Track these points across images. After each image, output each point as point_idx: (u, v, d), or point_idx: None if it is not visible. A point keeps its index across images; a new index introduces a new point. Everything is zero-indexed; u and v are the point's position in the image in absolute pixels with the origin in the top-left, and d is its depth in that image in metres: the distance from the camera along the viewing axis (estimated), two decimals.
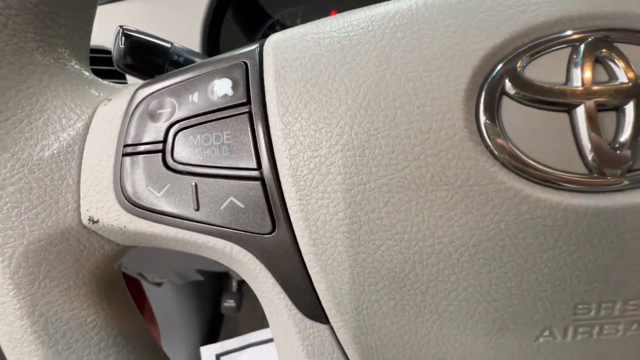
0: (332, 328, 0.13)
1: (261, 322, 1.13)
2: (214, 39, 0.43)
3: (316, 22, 0.14)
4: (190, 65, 0.15)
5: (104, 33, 0.44)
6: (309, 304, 0.13)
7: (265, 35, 0.55)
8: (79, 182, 0.14)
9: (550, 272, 0.12)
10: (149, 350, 0.17)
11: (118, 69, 0.25)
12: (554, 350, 0.13)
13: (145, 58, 0.25)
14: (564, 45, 0.12)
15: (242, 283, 0.84)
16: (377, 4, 0.14)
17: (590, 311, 0.12)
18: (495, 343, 0.12)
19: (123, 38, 0.24)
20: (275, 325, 0.14)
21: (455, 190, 0.11)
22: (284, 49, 0.13)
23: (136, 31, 0.25)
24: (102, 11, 0.47)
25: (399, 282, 0.12)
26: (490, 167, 0.11)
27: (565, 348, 0.12)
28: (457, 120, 0.11)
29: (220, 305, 0.81)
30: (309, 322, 0.13)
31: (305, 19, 0.52)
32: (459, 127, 0.11)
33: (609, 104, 0.11)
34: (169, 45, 0.26)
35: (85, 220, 0.14)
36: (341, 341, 0.13)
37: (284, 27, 0.52)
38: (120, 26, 0.25)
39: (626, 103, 0.11)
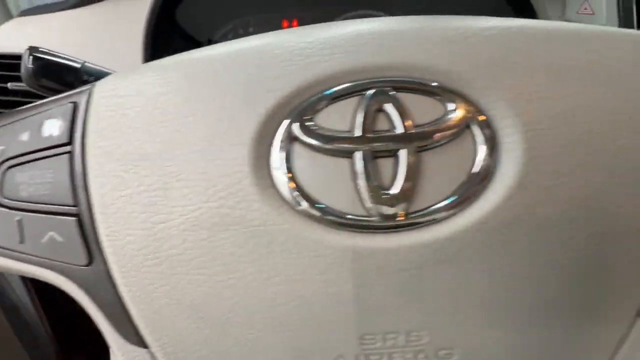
0: (151, 352, 0.14)
1: None
2: (159, 49, 0.44)
3: (142, 69, 0.15)
4: (31, 105, 0.15)
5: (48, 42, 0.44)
6: (128, 331, 0.14)
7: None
8: None
9: (335, 306, 0.13)
10: None
11: (31, 90, 0.26)
12: None
13: (56, 79, 0.26)
14: (351, 96, 0.13)
15: None
16: (195, 51, 0.14)
17: (376, 342, 0.13)
18: None
19: (31, 59, 0.25)
20: (110, 347, 0.15)
21: (243, 231, 0.12)
22: (108, 94, 0.14)
23: (46, 52, 0.25)
24: (51, 19, 0.47)
25: (202, 314, 0.13)
26: (275, 210, 0.12)
27: None
28: (244, 166, 0.12)
29: None
30: (130, 347, 0.14)
31: (257, 29, 0.52)
32: (247, 172, 0.12)
33: (384, 151, 0.12)
34: (78, 65, 0.26)
35: None
36: None
37: (237, 35, 0.52)
38: (29, 47, 0.25)
39: (399, 150, 0.12)
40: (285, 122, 0.12)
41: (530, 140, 0.12)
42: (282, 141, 0.12)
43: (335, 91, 0.12)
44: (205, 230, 0.12)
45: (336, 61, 0.12)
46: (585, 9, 0.39)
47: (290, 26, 0.52)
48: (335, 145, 0.12)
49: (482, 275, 0.12)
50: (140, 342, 0.14)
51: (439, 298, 0.13)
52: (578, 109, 0.12)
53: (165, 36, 0.46)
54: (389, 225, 0.12)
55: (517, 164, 0.12)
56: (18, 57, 0.44)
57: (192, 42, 0.50)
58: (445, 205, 0.12)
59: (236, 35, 0.52)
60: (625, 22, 0.38)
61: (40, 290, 0.74)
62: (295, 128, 0.12)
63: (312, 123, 0.12)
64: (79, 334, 0.91)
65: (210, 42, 0.51)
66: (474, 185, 0.12)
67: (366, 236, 0.12)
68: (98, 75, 0.27)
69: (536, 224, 0.12)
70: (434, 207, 0.12)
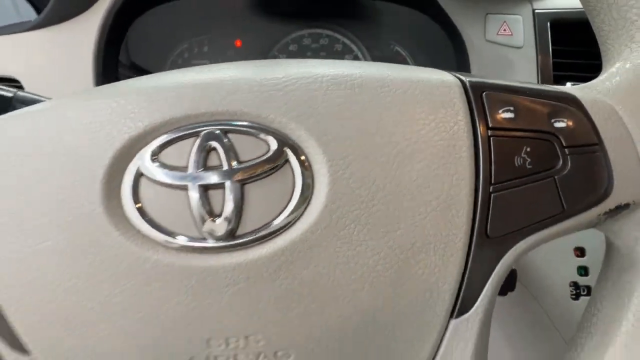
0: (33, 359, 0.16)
1: None
2: (109, 70, 0.46)
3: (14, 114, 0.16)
4: None
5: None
6: (11, 339, 0.16)
7: (174, 64, 0.58)
8: None
9: (181, 315, 0.15)
10: None
11: None
12: None
13: None
14: (189, 137, 0.15)
15: None
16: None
17: (221, 345, 0.15)
18: None
19: None
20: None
21: (90, 254, 0.14)
22: None
23: None
24: (14, 40, 0.49)
25: (66, 327, 0.15)
26: (121, 235, 0.14)
27: None
28: (96, 198, 0.14)
29: None
30: (14, 354, 0.16)
31: (211, 48, 0.55)
32: (98, 203, 0.14)
33: (213, 183, 0.14)
34: (10, 95, 0.28)
35: None
36: None
37: (191, 54, 0.55)
38: None
39: (224, 183, 0.14)
40: (135, 161, 0.15)
41: (334, 171, 0.14)
42: (133, 176, 0.15)
43: (178, 133, 0.15)
44: (58, 255, 0.14)
45: (177, 107, 0.15)
46: (504, 30, 0.42)
47: (243, 46, 0.55)
48: (174, 180, 0.14)
49: (302, 286, 0.15)
50: (22, 349, 0.16)
51: (267, 307, 0.15)
52: (370, 146, 0.15)
53: (114, 58, 0.48)
54: (219, 247, 0.14)
55: (327, 190, 0.14)
56: None
57: (157, 62, 0.52)
58: (267, 227, 0.14)
59: (191, 54, 0.55)
60: (540, 42, 0.41)
61: None
62: (144, 165, 0.15)
63: (157, 161, 0.15)
64: None
65: (173, 63, 0.54)
66: (295, 210, 0.15)
67: (201, 256, 0.14)
68: (31, 104, 0.29)
69: (342, 241, 0.15)
70: (258, 229, 0.14)
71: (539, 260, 0.41)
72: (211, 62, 0.54)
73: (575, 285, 0.39)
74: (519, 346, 0.45)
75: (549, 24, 0.41)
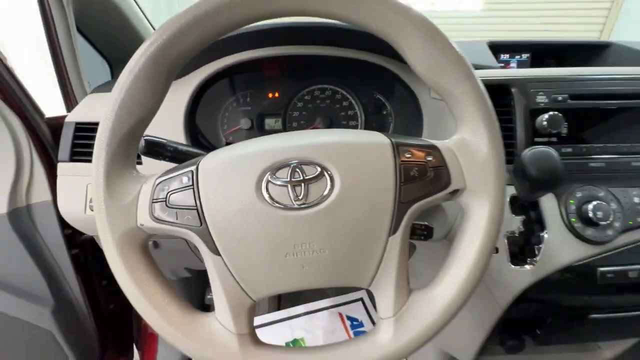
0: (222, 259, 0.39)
1: None
2: (193, 126, 0.69)
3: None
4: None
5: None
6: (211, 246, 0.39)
7: (226, 110, 0.83)
8: None
9: (285, 234, 0.38)
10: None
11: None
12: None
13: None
14: (285, 167, 0.39)
15: None
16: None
17: (298, 246, 0.39)
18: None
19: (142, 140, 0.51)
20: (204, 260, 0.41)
21: (251, 211, 0.38)
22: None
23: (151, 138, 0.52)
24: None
25: (238, 241, 0.39)
26: (265, 205, 0.38)
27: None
28: (251, 191, 0.38)
29: (204, 297, 1.07)
30: (213, 255, 0.39)
31: (252, 99, 0.79)
32: (252, 194, 0.38)
33: (297, 182, 0.38)
34: (165, 141, 0.53)
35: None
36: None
37: (238, 104, 0.79)
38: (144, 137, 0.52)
39: (302, 183, 0.38)
40: (267, 176, 0.38)
41: (342, 183, 0.38)
42: (268, 183, 0.38)
43: (278, 165, 0.39)
44: (238, 213, 0.38)
45: (278, 157, 0.39)
46: None
47: (273, 97, 0.79)
48: (281, 183, 0.38)
49: (330, 222, 0.38)
50: (217, 252, 0.39)
51: (318, 230, 0.38)
52: (355, 172, 0.38)
53: (193, 115, 0.72)
54: (301, 207, 0.38)
55: (338, 188, 0.38)
56: (93, 124, 0.69)
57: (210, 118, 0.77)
58: (318, 200, 0.38)
59: (238, 104, 0.79)
60: None
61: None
62: (270, 178, 0.38)
63: (274, 176, 0.38)
64: (120, 334, 1.11)
65: (220, 107, 0.78)
66: (327, 195, 0.38)
67: (294, 212, 0.38)
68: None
69: (345, 209, 0.38)
70: (314, 200, 0.38)
71: None
72: (253, 109, 0.78)
73: None
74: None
75: None
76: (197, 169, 0.38)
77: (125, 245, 0.38)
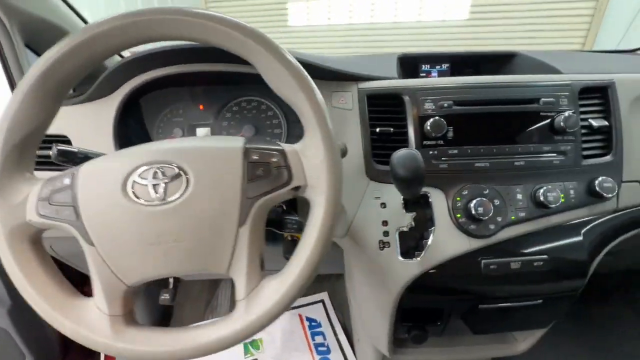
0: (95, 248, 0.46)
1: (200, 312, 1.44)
2: (123, 136, 0.78)
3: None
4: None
5: None
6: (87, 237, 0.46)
7: (162, 121, 0.91)
8: None
9: (149, 225, 0.45)
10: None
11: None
12: None
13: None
14: (149, 169, 0.46)
15: (177, 280, 1.16)
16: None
17: (161, 237, 0.46)
18: None
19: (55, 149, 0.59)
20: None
21: (118, 206, 0.45)
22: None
23: (64, 147, 0.59)
24: (70, 111, 0.81)
25: (109, 232, 0.46)
26: (128, 201, 0.45)
27: None
28: (118, 190, 0.45)
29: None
30: (87, 246, 0.46)
31: (184, 111, 0.87)
32: (119, 192, 0.45)
33: (155, 183, 0.45)
34: (76, 150, 0.60)
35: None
36: None
37: (172, 115, 0.87)
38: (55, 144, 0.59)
39: (159, 183, 0.45)
40: (132, 176, 0.45)
41: (196, 182, 0.45)
42: (131, 183, 0.45)
43: (145, 167, 0.46)
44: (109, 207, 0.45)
45: (149, 157, 0.46)
46: (342, 99, 0.73)
47: (204, 108, 0.87)
48: (144, 182, 0.45)
49: (180, 215, 0.45)
50: (92, 243, 0.46)
51: (172, 223, 0.45)
52: (208, 171, 0.45)
53: (125, 122, 0.80)
54: (159, 204, 0.45)
55: (191, 187, 0.45)
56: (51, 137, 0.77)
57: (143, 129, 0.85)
58: (176, 197, 0.45)
59: (172, 115, 0.87)
60: (361, 106, 0.72)
61: None
62: (135, 178, 0.45)
63: (139, 176, 0.45)
64: None
65: (155, 118, 0.86)
66: (182, 193, 0.45)
67: (155, 207, 0.45)
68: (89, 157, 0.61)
69: (199, 202, 0.45)
70: (172, 198, 0.45)
71: (365, 230, 0.71)
72: (185, 120, 0.86)
73: (381, 242, 0.69)
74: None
75: (366, 96, 0.73)
76: (78, 171, 0.46)
77: (14, 239, 0.44)
